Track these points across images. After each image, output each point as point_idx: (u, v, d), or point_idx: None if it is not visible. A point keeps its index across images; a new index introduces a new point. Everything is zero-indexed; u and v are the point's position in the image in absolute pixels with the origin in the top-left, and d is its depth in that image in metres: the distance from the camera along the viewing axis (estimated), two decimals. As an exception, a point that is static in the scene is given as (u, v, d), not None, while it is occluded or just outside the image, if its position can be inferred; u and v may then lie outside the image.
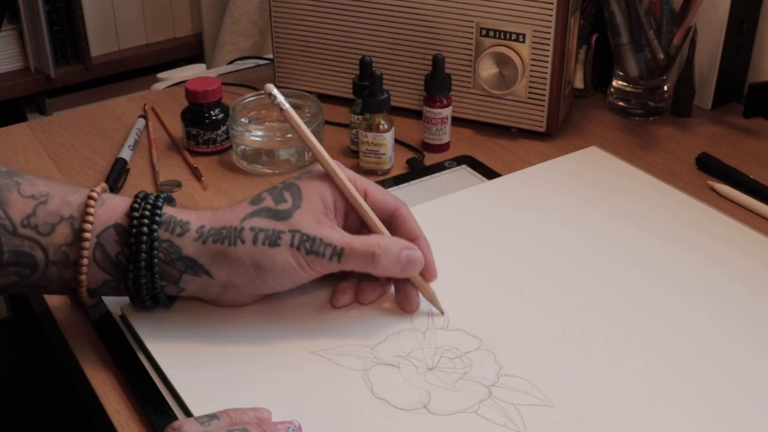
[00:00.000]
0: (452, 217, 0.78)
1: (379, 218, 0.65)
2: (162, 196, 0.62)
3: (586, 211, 0.79)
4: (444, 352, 0.63)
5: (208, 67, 1.65)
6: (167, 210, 0.61)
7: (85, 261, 0.59)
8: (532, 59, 0.90)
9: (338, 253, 0.61)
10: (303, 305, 0.67)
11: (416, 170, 0.88)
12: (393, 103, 0.89)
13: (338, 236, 0.62)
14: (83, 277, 0.60)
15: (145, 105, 1.01)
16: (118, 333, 0.65)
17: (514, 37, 0.90)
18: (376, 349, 0.63)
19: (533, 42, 0.89)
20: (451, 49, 0.93)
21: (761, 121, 0.98)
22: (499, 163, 0.90)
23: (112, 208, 0.60)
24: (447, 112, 0.90)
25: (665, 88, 0.98)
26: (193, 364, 0.61)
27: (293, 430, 0.54)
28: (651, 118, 0.98)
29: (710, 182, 0.85)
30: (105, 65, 1.75)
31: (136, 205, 0.60)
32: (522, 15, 0.89)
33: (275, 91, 0.66)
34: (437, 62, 0.88)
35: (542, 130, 0.93)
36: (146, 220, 0.59)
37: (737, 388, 0.60)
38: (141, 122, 0.97)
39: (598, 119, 0.99)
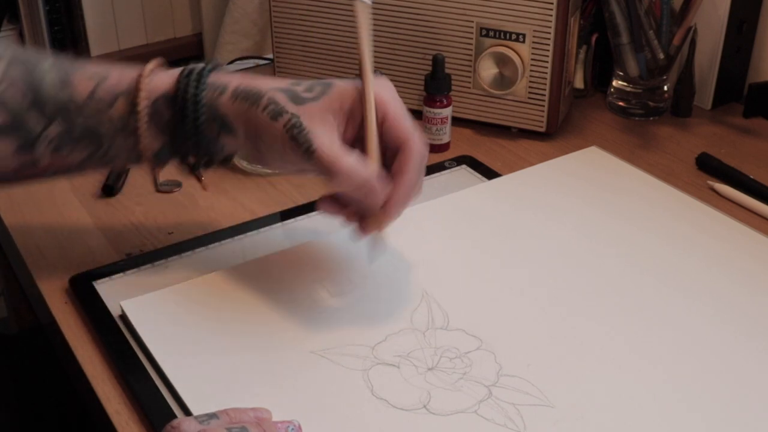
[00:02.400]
0: (452, 217, 0.78)
1: (390, 145, 0.64)
2: (209, 66, 0.66)
3: (586, 211, 0.79)
4: (444, 352, 0.63)
5: (208, 67, 1.64)
6: (213, 76, 0.65)
7: (143, 126, 0.64)
8: (532, 59, 0.90)
9: (310, 151, 0.62)
10: (303, 305, 0.67)
11: (416, 170, 0.88)
12: (393, 103, 0.89)
13: (322, 138, 0.62)
14: (144, 142, 0.64)
15: (145, 105, 1.01)
16: (118, 333, 0.66)
17: (514, 37, 0.90)
18: (376, 349, 0.63)
19: (533, 42, 0.89)
20: (451, 49, 0.93)
21: (761, 121, 0.98)
22: (499, 163, 0.90)
23: (163, 78, 0.65)
24: (447, 112, 0.90)
25: (665, 88, 0.98)
26: (193, 363, 0.61)
27: (293, 429, 0.54)
28: (651, 118, 0.98)
29: (710, 182, 0.85)
30: (105, 65, 1.75)
31: (183, 75, 0.65)
32: (522, 15, 0.88)
33: None
34: (437, 62, 0.88)
35: (542, 130, 0.93)
36: (193, 83, 0.64)
37: (737, 388, 0.60)
38: (141, 122, 0.97)
39: (598, 119, 0.99)
